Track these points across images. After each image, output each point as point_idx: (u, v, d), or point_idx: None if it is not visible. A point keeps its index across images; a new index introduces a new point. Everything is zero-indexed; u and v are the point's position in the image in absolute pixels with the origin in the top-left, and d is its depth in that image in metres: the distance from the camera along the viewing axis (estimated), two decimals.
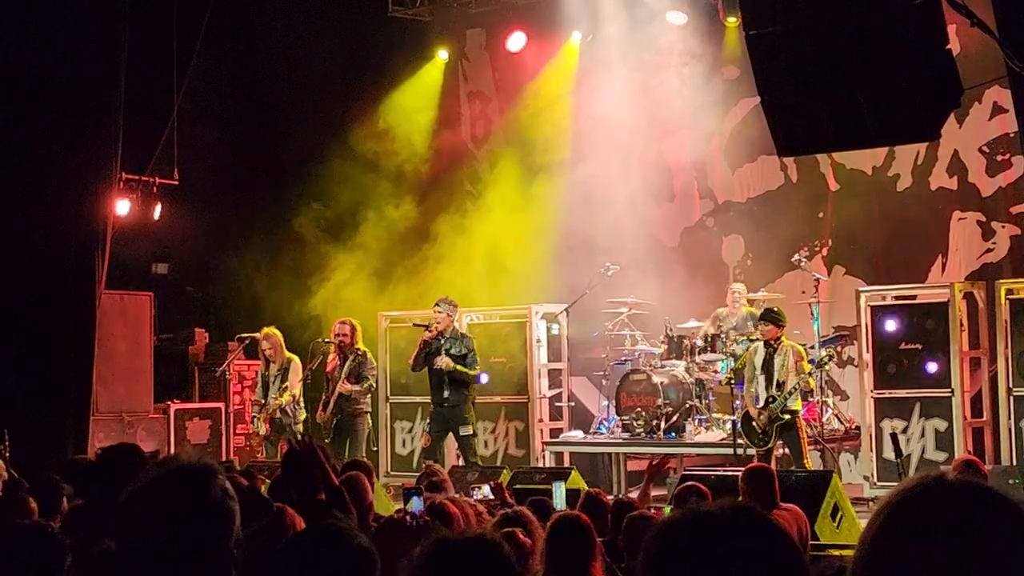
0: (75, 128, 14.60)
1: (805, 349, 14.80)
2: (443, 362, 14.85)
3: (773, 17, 10.56)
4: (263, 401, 15.66)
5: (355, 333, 15.41)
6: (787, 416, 14.14)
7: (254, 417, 15.84)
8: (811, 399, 15.48)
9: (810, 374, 14.30)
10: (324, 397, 15.35)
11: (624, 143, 19.18)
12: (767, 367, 14.29)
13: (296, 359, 15.75)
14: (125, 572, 3.31)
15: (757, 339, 14.64)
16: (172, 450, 16.64)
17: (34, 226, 14.56)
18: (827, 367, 15.10)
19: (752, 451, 14.35)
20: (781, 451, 14.60)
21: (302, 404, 15.64)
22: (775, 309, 14.61)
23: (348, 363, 15.25)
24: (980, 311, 15.36)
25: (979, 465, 9.02)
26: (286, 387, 15.44)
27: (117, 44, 14.68)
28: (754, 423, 14.35)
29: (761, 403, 14.26)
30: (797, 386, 14.14)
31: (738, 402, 14.92)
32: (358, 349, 15.38)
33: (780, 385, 14.15)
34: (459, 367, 14.90)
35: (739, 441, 14.60)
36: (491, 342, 17.01)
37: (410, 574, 3.47)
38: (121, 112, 14.76)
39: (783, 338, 14.37)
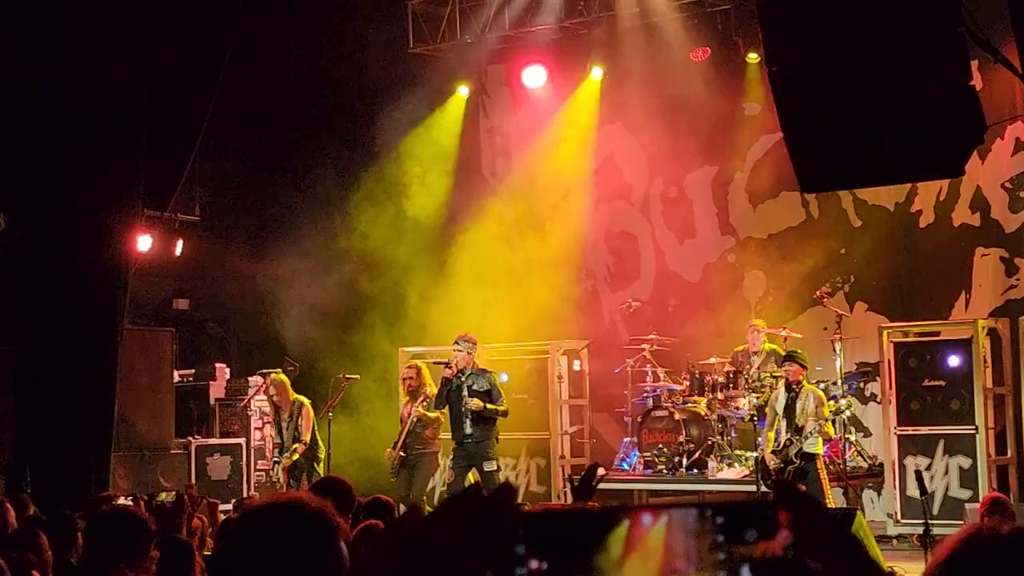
0: (98, 166, 14.63)
1: (827, 390, 14.76)
2: (474, 403, 14.79)
3: (796, 54, 10.57)
4: (280, 441, 15.69)
5: (420, 375, 15.35)
6: (801, 461, 14.08)
7: (275, 462, 15.81)
8: (833, 436, 15.45)
9: (828, 420, 14.19)
10: (396, 438, 15.35)
11: (645, 178, 19.19)
12: (788, 411, 14.25)
13: (307, 402, 15.70)
14: None
15: (781, 376, 14.57)
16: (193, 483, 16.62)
17: (57, 263, 14.58)
18: (844, 414, 15.03)
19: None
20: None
21: (320, 443, 15.62)
22: (799, 352, 14.60)
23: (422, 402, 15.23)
24: (1004, 347, 15.30)
25: (1007, 503, 8.97)
26: (294, 447, 15.43)
27: (139, 81, 14.73)
28: (770, 465, 14.31)
29: (780, 446, 14.21)
30: (815, 430, 14.07)
31: (760, 439, 14.88)
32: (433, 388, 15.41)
33: (799, 429, 14.11)
34: (489, 406, 14.85)
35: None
36: (512, 378, 16.95)
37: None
38: (143, 149, 14.80)
39: (804, 382, 14.33)
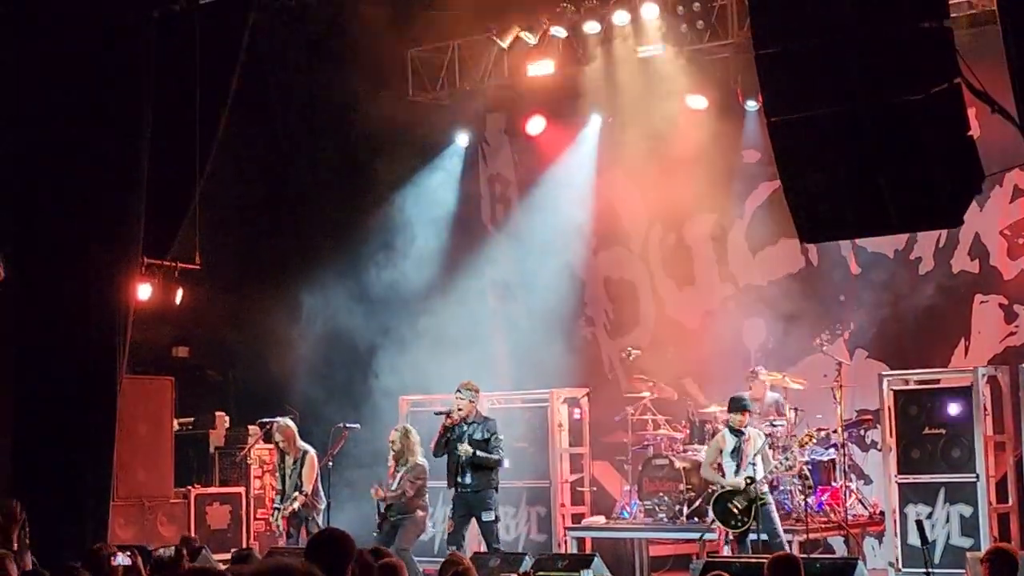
0: (98, 214, 14.66)
1: (827, 438, 14.86)
2: (463, 449, 14.72)
3: (795, 103, 10.57)
4: (282, 488, 15.60)
5: (406, 439, 15.18)
6: (763, 499, 14.22)
7: (275, 508, 15.72)
8: (834, 483, 15.47)
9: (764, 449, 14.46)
10: (389, 480, 15.20)
11: (644, 226, 19.20)
12: (737, 453, 14.38)
13: (312, 452, 15.61)
14: None
15: (782, 424, 14.62)
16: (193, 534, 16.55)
17: (57, 311, 14.59)
18: (807, 445, 15.13)
19: (764, 537, 14.25)
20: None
21: (323, 493, 15.52)
22: (743, 397, 14.77)
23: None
24: (1004, 395, 15.28)
25: (1011, 553, 8.90)
26: (295, 496, 15.32)
27: (139, 129, 14.77)
28: (730, 505, 14.35)
29: (741, 486, 14.30)
30: (775, 469, 14.45)
31: (724, 481, 14.93)
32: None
33: (752, 469, 14.26)
34: (480, 452, 14.77)
35: (752, 526, 14.42)
36: (512, 426, 16.92)
37: None
38: (144, 198, 14.82)
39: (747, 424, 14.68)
